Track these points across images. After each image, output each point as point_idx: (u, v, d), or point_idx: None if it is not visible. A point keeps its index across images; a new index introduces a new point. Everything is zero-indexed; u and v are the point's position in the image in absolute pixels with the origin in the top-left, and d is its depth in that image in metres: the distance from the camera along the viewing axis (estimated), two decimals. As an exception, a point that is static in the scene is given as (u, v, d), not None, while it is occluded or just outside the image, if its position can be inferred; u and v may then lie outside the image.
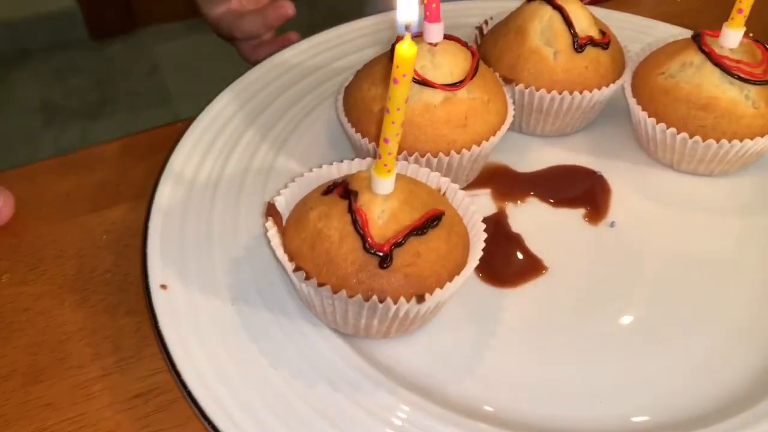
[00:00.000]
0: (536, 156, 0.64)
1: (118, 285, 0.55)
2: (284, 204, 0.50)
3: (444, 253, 0.47)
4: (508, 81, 0.62)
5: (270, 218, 0.48)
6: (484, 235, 0.49)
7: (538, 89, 0.61)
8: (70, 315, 0.53)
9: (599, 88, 0.61)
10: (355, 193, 0.46)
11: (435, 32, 0.55)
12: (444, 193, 0.53)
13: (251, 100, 0.66)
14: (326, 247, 0.45)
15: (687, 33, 0.61)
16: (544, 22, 0.61)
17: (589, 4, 0.63)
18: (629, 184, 0.61)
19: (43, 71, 3.00)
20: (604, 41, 0.61)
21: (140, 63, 2.98)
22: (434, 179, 0.53)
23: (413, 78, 0.53)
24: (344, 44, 0.73)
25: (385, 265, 0.44)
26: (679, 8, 0.87)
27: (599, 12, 0.67)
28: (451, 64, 0.55)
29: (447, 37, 0.57)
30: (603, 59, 0.61)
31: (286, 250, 0.47)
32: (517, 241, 0.56)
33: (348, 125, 0.57)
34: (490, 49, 0.64)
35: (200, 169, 0.59)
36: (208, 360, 0.46)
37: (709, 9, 0.85)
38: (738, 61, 0.56)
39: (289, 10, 0.77)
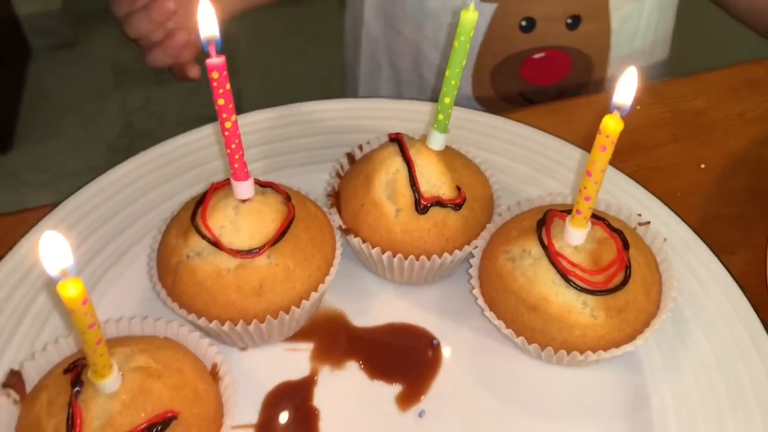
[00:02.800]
0: (380, 306, 0.59)
1: None
2: (36, 368, 0.48)
3: (167, 461, 0.43)
4: (346, 232, 0.57)
5: (8, 388, 0.47)
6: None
7: (374, 246, 0.55)
8: None
9: (441, 255, 0.55)
10: (81, 384, 0.44)
11: (243, 189, 0.51)
12: (217, 368, 0.49)
13: (77, 224, 0.63)
14: (38, 441, 0.43)
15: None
16: (390, 174, 0.55)
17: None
18: (462, 361, 0.55)
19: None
20: (455, 201, 0.55)
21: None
22: (210, 353, 0.50)
23: (207, 237, 0.50)
24: (187, 156, 0.69)
25: (86, 476, 0.42)
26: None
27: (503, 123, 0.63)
28: (253, 227, 0.51)
29: (268, 185, 0.53)
30: (451, 222, 0.55)
31: (16, 428, 0.46)
32: (309, 421, 0.52)
33: (156, 282, 0.54)
34: (344, 186, 0.59)
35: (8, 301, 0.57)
36: None
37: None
38: (574, 265, 0.48)
39: (170, 4, 0.73)
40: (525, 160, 0.68)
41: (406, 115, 0.71)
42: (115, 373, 0.43)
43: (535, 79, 0.87)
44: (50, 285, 0.57)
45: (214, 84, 0.45)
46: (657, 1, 0.89)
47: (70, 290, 0.35)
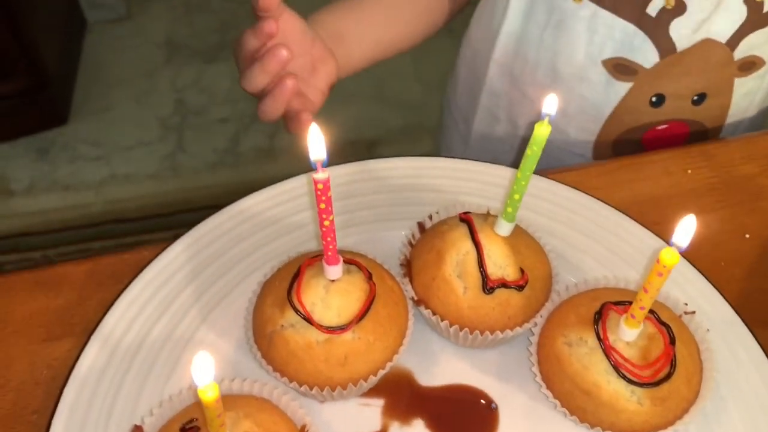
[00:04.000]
0: (443, 366, 0.66)
1: (38, 429, 0.64)
2: (155, 423, 0.56)
3: None
4: (417, 303, 0.63)
5: (131, 442, 0.55)
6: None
7: (443, 319, 0.62)
8: (-6, 450, 0.63)
9: (503, 330, 0.61)
10: (198, 450, 0.51)
11: (333, 272, 0.57)
12: (306, 429, 0.57)
13: (195, 256, 0.71)
14: (160, 493, 0.51)
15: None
16: (460, 255, 0.61)
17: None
18: (518, 425, 0.62)
19: (177, 5, 3.15)
20: (519, 283, 0.61)
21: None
22: (299, 415, 0.57)
23: (301, 313, 0.57)
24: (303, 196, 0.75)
25: None
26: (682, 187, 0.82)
27: (562, 191, 0.71)
28: (341, 306, 0.57)
29: (353, 262, 0.59)
30: (514, 301, 0.61)
31: (141, 475, 0.54)
32: (379, 474, 0.60)
33: (253, 345, 0.61)
34: (416, 257, 0.65)
35: (128, 331, 0.66)
36: None
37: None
38: (626, 360, 0.54)
39: (283, 52, 0.70)
40: (584, 229, 0.73)
41: (477, 177, 0.77)
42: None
43: (653, 146, 0.91)
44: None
45: (318, 193, 0.51)
46: None
47: (209, 394, 0.43)
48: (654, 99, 0.85)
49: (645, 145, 0.91)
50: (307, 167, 0.56)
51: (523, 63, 0.90)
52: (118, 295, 0.68)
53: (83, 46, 2.79)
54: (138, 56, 2.93)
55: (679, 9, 0.79)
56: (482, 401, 0.64)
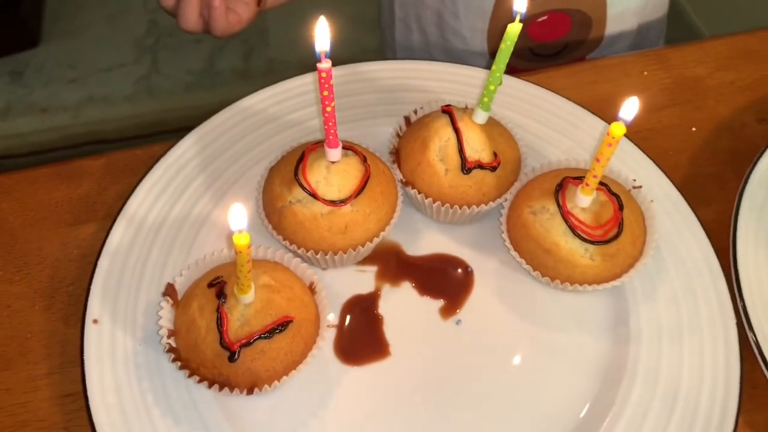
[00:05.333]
0: (427, 240, 0.76)
1: (76, 298, 0.73)
2: (184, 282, 0.66)
3: (285, 351, 0.62)
4: (405, 184, 0.73)
5: (166, 297, 0.65)
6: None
7: (427, 197, 0.72)
8: (37, 317, 0.72)
9: (478, 205, 0.72)
10: (225, 296, 0.61)
11: (333, 154, 0.67)
12: (314, 285, 0.67)
13: (208, 147, 0.79)
14: (195, 334, 0.62)
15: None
16: (442, 141, 0.71)
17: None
18: (490, 284, 0.73)
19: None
20: (492, 165, 0.71)
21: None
22: (308, 274, 0.67)
23: (306, 189, 0.66)
24: (306, 94, 0.84)
25: (233, 359, 0.60)
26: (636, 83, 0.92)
27: (531, 89, 0.82)
28: (341, 183, 0.67)
29: (350, 148, 0.69)
30: (488, 180, 0.71)
31: (174, 323, 0.64)
32: (375, 324, 0.71)
33: (264, 219, 0.71)
34: (403, 146, 0.74)
35: (150, 212, 0.75)
36: (111, 390, 0.64)
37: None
38: (581, 222, 0.65)
39: None
40: (548, 123, 0.83)
41: (453, 78, 0.86)
42: (253, 290, 0.60)
43: (540, 38, 1.00)
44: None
45: (321, 81, 0.60)
46: None
47: (242, 240, 0.52)
48: None
49: (531, 37, 1.01)
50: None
51: None
52: (138, 182, 0.76)
53: (51, -34, 2.70)
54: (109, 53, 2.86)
55: None
56: (459, 267, 0.74)
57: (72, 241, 0.77)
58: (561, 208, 0.66)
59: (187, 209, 0.75)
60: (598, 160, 0.60)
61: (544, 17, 0.98)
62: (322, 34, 0.58)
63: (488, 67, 0.73)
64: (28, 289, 0.74)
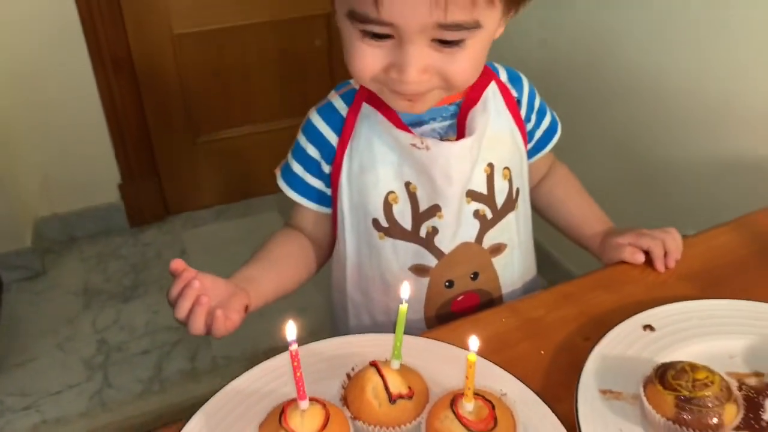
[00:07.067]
0: (375, 458, 1.08)
1: None
2: None
3: None
4: (354, 418, 1.08)
5: None
6: None
7: (370, 425, 1.06)
8: None
9: (405, 424, 1.06)
10: None
11: (303, 405, 1.01)
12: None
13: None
14: None
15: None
16: (373, 384, 1.07)
17: None
18: (424, 481, 1.05)
19: (89, 256, 3.52)
20: (409, 395, 1.07)
21: (171, 248, 3.49)
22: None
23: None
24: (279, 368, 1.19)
25: None
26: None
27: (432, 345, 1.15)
28: (311, 424, 1.00)
29: (313, 399, 1.04)
30: (408, 406, 1.07)
31: None
32: None
33: None
34: (348, 393, 1.10)
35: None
36: None
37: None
38: (469, 421, 1.01)
39: (196, 282, 1.04)
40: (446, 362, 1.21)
41: (383, 342, 1.24)
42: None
43: (462, 312, 1.43)
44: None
45: (293, 357, 0.97)
46: (520, 251, 1.48)
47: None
48: (447, 283, 1.42)
49: (456, 312, 1.45)
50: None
51: (366, 279, 1.43)
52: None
53: (1, 304, 3.05)
54: (57, 306, 3.21)
55: (435, 230, 1.36)
56: (400, 472, 1.06)
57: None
58: (456, 414, 1.02)
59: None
60: (467, 378, 0.99)
61: (462, 297, 1.44)
62: (291, 330, 0.96)
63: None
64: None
